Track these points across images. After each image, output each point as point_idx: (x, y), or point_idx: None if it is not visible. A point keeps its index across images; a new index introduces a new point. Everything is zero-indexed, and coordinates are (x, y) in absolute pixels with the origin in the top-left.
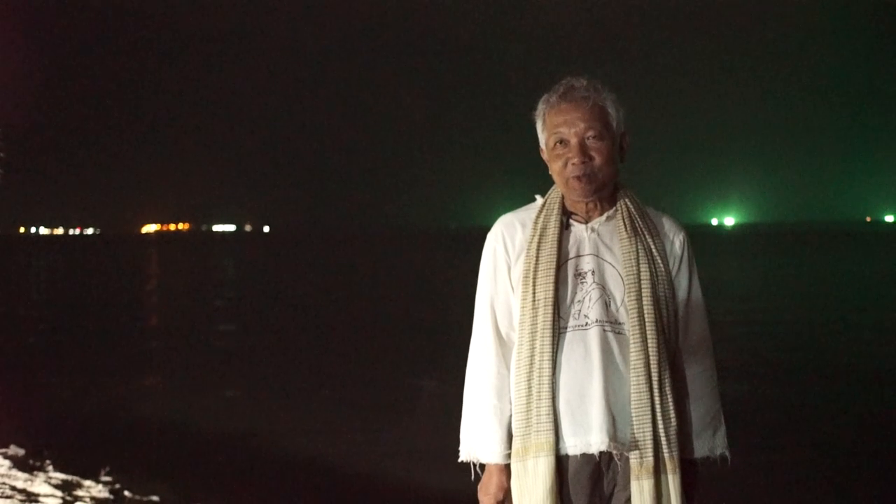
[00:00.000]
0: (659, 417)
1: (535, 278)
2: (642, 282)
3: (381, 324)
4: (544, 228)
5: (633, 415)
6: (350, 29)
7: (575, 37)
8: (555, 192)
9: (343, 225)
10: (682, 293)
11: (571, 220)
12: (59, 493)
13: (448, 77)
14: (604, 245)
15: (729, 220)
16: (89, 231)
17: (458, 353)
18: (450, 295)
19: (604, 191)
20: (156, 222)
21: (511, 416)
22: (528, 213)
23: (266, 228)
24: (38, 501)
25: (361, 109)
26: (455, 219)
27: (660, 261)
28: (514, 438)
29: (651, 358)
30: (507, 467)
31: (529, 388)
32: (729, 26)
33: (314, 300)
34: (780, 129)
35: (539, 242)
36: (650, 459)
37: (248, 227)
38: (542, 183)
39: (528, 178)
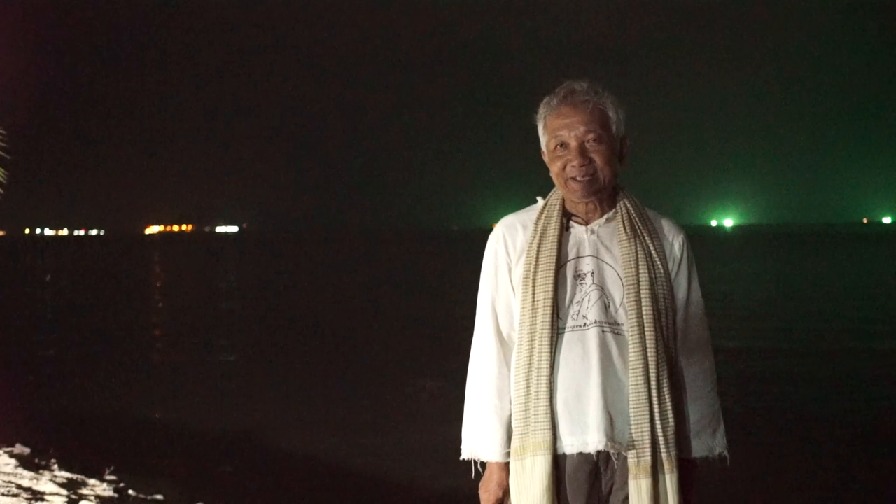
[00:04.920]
0: (657, 417)
1: (534, 279)
2: (641, 283)
3: (383, 324)
4: (545, 230)
5: (632, 415)
6: (352, 31)
7: (576, 36)
8: (555, 194)
9: (345, 226)
10: (681, 294)
11: (572, 222)
12: (64, 492)
13: (450, 78)
14: (603, 247)
15: (728, 222)
16: (93, 232)
17: (459, 353)
18: (451, 296)
19: (603, 193)
20: (159, 223)
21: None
22: (530, 214)
23: (267, 230)
24: (43, 500)
25: (364, 111)
26: (457, 220)
27: (659, 262)
28: (512, 437)
29: (650, 359)
30: (508, 465)
31: (528, 387)
32: (728, 28)
33: (316, 300)
34: (780, 131)
35: (539, 244)
36: (648, 459)
37: (245, 227)
38: (544, 185)
39: (529, 180)
